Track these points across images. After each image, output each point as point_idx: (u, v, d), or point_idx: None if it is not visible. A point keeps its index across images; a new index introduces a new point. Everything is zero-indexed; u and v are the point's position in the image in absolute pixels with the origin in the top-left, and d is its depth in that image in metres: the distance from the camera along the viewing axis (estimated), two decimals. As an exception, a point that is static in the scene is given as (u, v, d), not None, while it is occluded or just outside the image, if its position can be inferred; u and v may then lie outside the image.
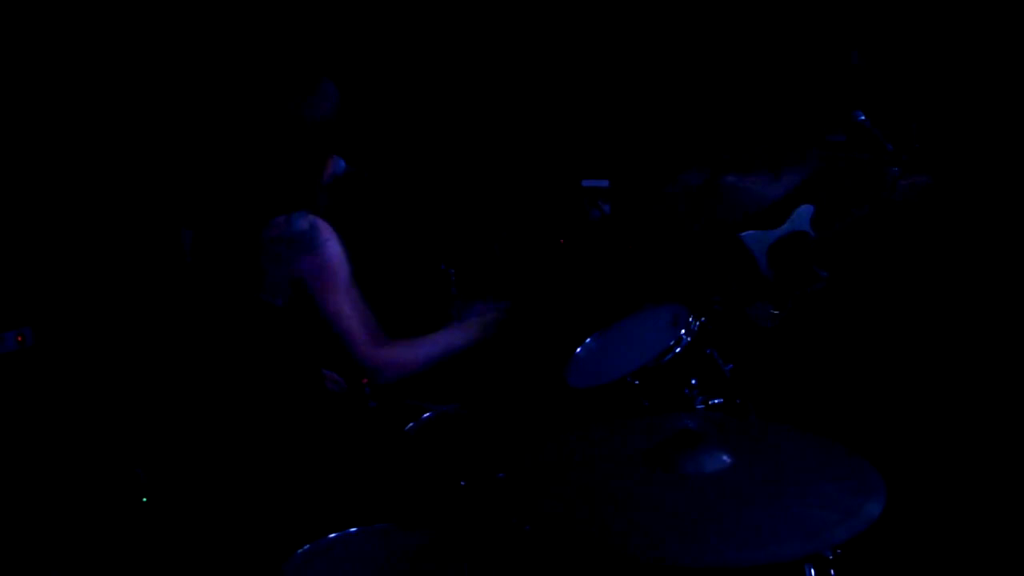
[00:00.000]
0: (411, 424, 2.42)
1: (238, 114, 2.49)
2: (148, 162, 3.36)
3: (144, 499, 2.98)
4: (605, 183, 3.81)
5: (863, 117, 2.90)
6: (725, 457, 1.54)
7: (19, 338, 3.03)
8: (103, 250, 3.29)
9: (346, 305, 2.11)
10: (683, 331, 2.39)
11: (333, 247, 2.11)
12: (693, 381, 2.36)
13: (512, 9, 3.90)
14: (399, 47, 3.79)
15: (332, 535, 1.91)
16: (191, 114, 3.39)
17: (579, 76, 3.97)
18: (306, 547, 1.87)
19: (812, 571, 1.73)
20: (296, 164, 2.17)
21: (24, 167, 3.13)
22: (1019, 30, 3.17)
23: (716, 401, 2.38)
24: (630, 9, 3.90)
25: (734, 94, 3.75)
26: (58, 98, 3.19)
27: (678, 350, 2.35)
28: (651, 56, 3.90)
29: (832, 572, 1.77)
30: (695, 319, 2.43)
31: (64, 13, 3.16)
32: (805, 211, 3.20)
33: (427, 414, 2.45)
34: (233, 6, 3.49)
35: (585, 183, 3.80)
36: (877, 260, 3.13)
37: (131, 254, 3.34)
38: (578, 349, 2.72)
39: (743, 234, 3.25)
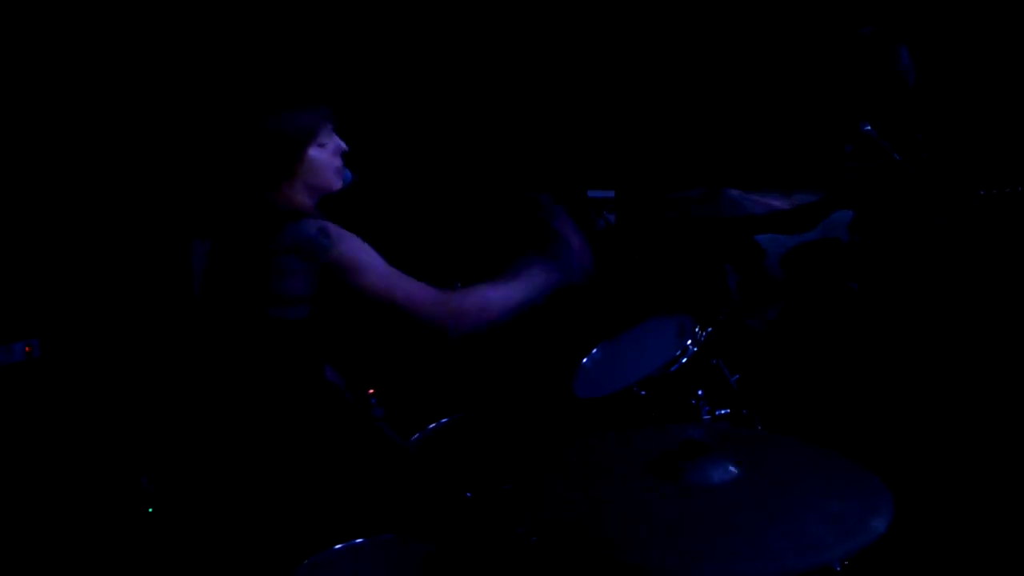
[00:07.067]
0: (417, 434, 2.42)
1: (224, 125, 2.43)
2: (156, 173, 3.38)
3: (150, 509, 2.99)
4: (610, 194, 3.81)
5: (869, 128, 2.89)
6: (731, 468, 1.53)
7: (27, 349, 3.04)
8: (111, 262, 3.30)
9: (393, 276, 2.09)
10: (689, 341, 2.38)
11: (352, 237, 2.08)
12: (700, 392, 2.35)
13: (519, 19, 3.91)
14: (406, 57, 3.80)
15: (338, 546, 1.90)
16: (195, 125, 3.40)
17: (585, 87, 3.97)
18: (312, 558, 1.86)
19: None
20: (267, 176, 2.12)
21: (32, 179, 3.15)
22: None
23: (723, 412, 2.37)
24: (636, 20, 3.91)
25: (740, 105, 3.75)
26: (65, 110, 3.21)
27: (684, 360, 2.35)
28: (657, 67, 3.91)
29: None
30: (701, 329, 2.43)
31: (70, 13, 3.18)
32: (841, 217, 3.04)
33: (433, 424, 2.45)
34: (241, 13, 3.50)
35: (590, 194, 3.80)
36: (911, 272, 3.03)
37: (139, 266, 3.35)
38: (584, 359, 2.72)
39: (758, 236, 3.16)
